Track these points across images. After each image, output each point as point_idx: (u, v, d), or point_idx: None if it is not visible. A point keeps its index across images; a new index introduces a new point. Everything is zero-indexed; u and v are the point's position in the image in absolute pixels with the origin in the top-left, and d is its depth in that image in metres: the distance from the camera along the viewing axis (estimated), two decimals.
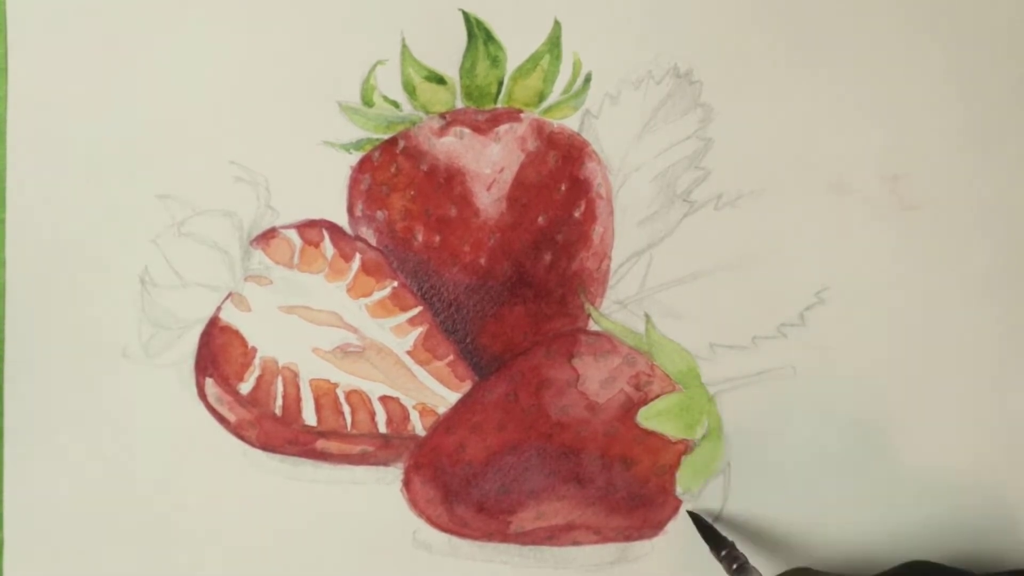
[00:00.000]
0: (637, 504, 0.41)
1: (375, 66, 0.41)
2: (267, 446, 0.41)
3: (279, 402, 0.41)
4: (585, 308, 0.41)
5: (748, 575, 0.38)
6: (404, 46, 0.41)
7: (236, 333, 0.41)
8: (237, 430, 0.41)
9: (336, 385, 0.41)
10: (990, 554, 0.41)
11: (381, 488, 0.41)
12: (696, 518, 0.41)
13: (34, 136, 0.41)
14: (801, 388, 0.41)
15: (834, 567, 0.41)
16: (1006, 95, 0.42)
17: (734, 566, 0.39)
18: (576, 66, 0.42)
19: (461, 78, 0.41)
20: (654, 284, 0.41)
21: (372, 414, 0.41)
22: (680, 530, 0.41)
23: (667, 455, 0.41)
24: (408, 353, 0.41)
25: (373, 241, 0.41)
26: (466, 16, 0.41)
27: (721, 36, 0.42)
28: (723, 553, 0.39)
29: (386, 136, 0.41)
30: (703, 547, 0.40)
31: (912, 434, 0.41)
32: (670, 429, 0.41)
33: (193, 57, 0.41)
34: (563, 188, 0.41)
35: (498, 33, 0.41)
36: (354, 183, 0.41)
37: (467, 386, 0.41)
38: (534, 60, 0.41)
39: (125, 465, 0.41)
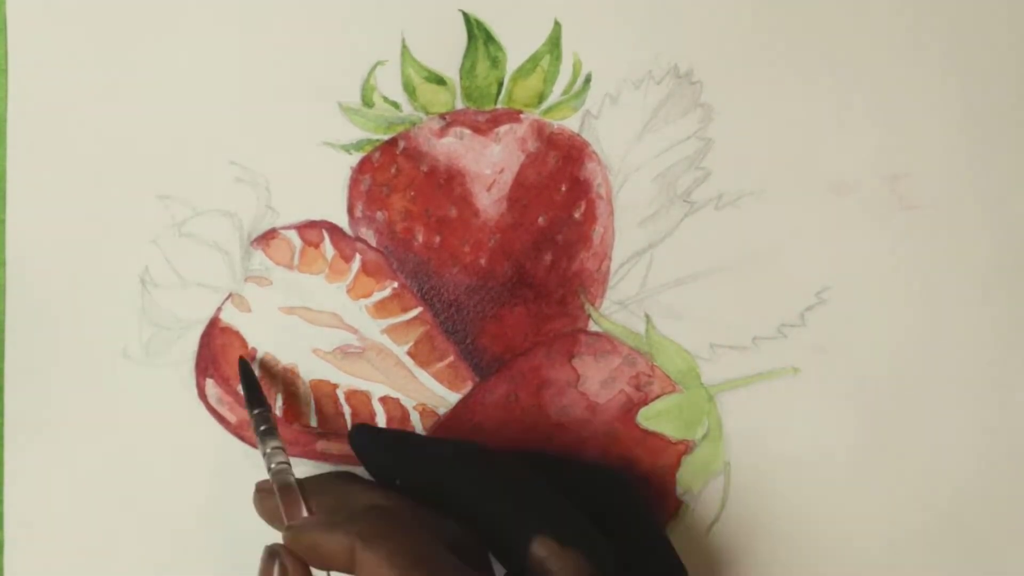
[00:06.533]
0: None
1: (375, 66, 0.41)
2: None
3: (279, 403, 0.41)
4: (585, 309, 0.41)
5: (271, 440, 0.37)
6: (404, 46, 0.41)
7: (236, 334, 0.41)
8: (237, 431, 0.41)
9: (336, 386, 0.41)
10: (991, 555, 0.41)
11: None
12: (243, 366, 0.40)
13: (34, 136, 0.41)
14: (801, 388, 0.41)
15: (834, 567, 0.41)
16: (1006, 95, 0.42)
17: (262, 427, 0.38)
18: (576, 66, 0.41)
19: (461, 79, 0.41)
20: (654, 284, 0.41)
21: (372, 415, 0.41)
22: (680, 530, 0.41)
23: (667, 455, 0.41)
24: (408, 354, 0.41)
25: (373, 242, 0.41)
26: (466, 17, 0.41)
27: (721, 36, 0.42)
28: (256, 411, 0.38)
29: (386, 137, 0.41)
30: (703, 547, 0.40)
31: (912, 434, 0.42)
32: (670, 429, 0.41)
33: (193, 57, 0.41)
34: (563, 188, 0.41)
35: (498, 34, 0.41)
36: (354, 184, 0.41)
37: (467, 387, 0.41)
38: (534, 61, 0.41)
39: (125, 465, 0.41)
